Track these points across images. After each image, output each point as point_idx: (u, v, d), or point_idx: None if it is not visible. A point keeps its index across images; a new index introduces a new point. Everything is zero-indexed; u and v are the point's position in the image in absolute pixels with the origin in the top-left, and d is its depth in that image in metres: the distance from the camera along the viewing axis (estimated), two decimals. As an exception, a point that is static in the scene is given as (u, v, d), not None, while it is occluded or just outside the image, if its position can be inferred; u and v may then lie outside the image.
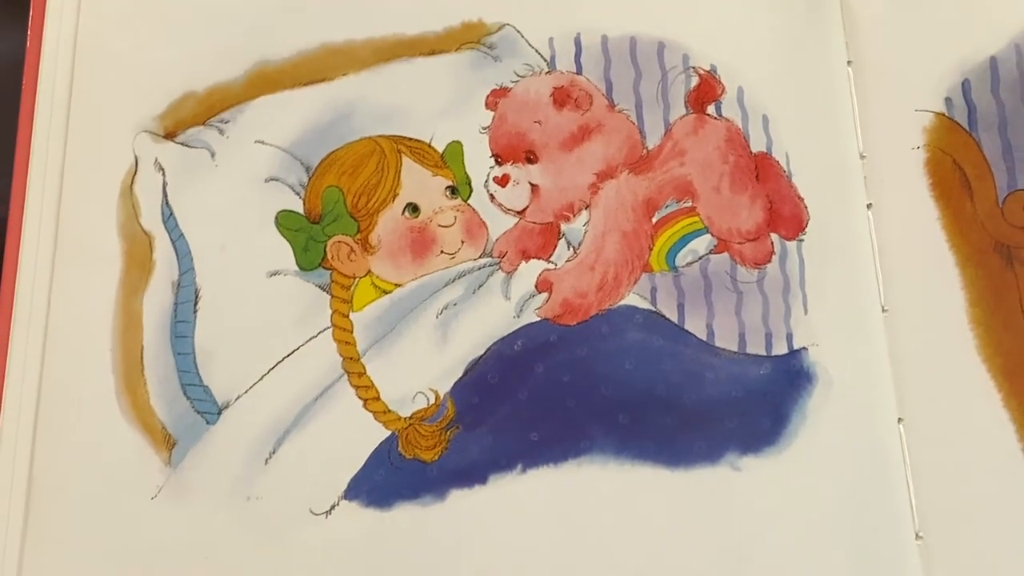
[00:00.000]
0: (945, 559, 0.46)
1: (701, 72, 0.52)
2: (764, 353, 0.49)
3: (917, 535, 0.47)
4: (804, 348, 0.49)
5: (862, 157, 0.51)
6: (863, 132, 0.52)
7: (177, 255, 0.50)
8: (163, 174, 0.51)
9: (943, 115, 0.51)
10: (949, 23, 0.53)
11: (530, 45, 0.53)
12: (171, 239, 0.50)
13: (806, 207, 0.51)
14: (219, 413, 0.48)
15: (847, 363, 0.49)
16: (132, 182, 0.51)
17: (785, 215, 0.50)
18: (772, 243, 0.50)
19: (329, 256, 0.50)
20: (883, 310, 0.49)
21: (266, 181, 0.51)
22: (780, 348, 0.49)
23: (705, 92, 0.52)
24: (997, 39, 0.52)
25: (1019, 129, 0.51)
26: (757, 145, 0.51)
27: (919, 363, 0.49)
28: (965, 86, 0.52)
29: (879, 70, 0.52)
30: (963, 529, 0.47)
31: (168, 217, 0.50)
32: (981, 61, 0.52)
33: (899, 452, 0.48)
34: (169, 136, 0.51)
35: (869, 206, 0.51)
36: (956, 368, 0.48)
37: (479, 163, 0.52)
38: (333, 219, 0.50)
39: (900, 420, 0.48)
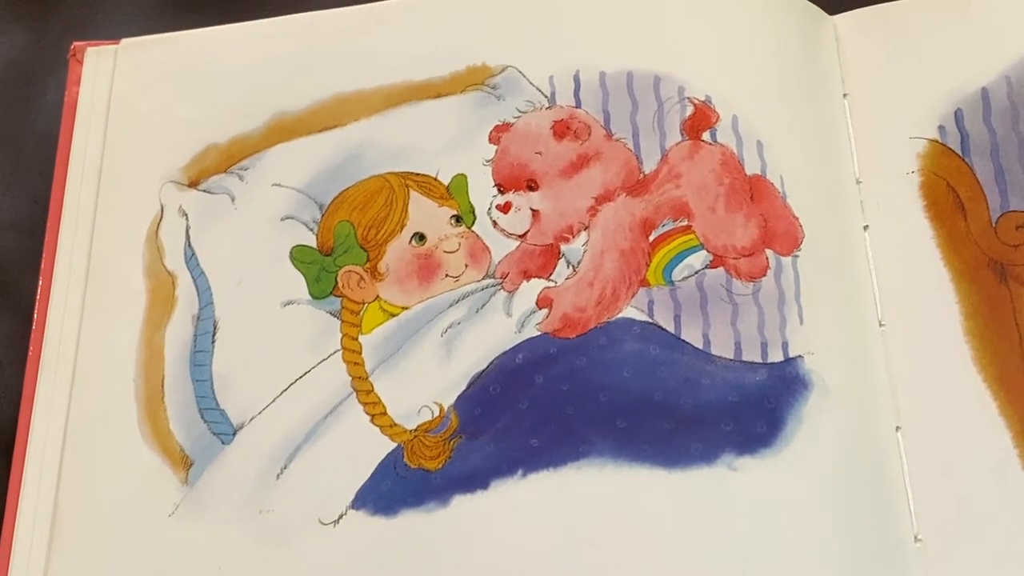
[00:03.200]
0: (944, 560, 0.53)
1: (696, 102, 0.62)
2: (760, 360, 0.57)
3: (916, 537, 0.53)
4: (800, 356, 0.56)
5: (858, 182, 0.61)
6: (859, 159, 0.61)
7: (198, 291, 0.61)
8: (186, 219, 0.63)
9: (936, 141, 0.60)
10: (941, 56, 0.62)
11: (531, 84, 0.64)
12: (192, 277, 0.61)
13: (801, 226, 0.59)
14: (234, 434, 0.58)
15: (844, 373, 0.56)
16: (157, 228, 0.63)
17: (780, 232, 0.59)
18: (767, 258, 0.59)
19: (340, 285, 0.60)
20: (880, 324, 0.57)
21: (282, 220, 0.62)
22: (776, 356, 0.57)
23: (700, 120, 0.62)
24: (988, 71, 0.61)
25: (1010, 154, 0.59)
26: (752, 168, 0.61)
27: (916, 374, 0.56)
28: (958, 115, 0.60)
29: (874, 101, 0.62)
30: (962, 530, 0.53)
31: (190, 257, 0.62)
32: (973, 91, 0.61)
33: (897, 458, 0.55)
34: (193, 184, 0.63)
35: (866, 227, 0.60)
36: (952, 378, 0.56)
37: (483, 193, 0.62)
38: (344, 251, 0.61)
39: (898, 428, 0.55)
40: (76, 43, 0.68)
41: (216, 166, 0.64)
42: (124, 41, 0.68)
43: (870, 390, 0.56)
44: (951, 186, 0.59)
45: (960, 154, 0.60)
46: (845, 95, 0.63)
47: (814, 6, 0.64)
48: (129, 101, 0.66)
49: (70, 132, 0.65)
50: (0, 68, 0.68)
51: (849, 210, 0.60)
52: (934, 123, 0.61)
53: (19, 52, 0.69)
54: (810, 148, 0.61)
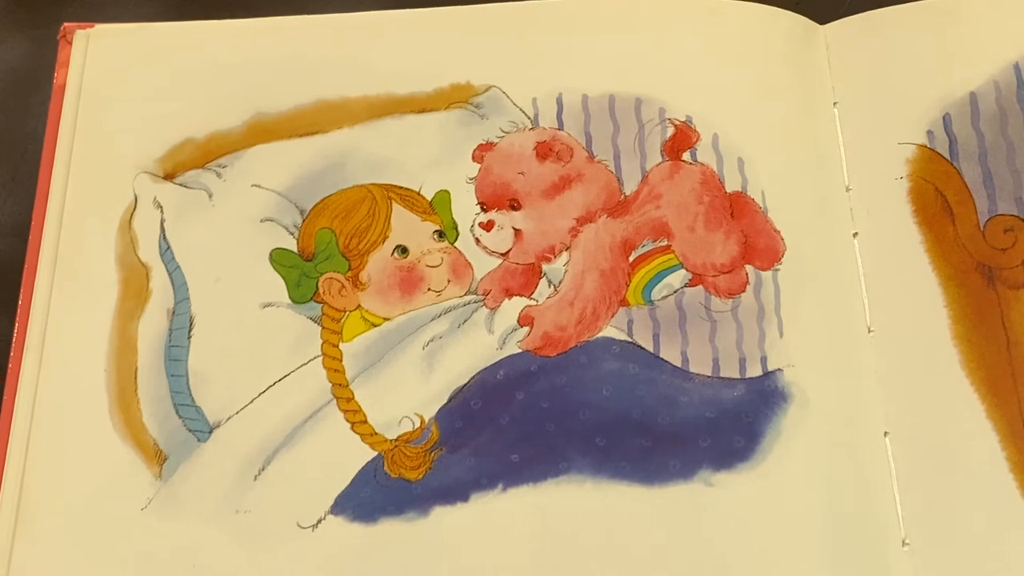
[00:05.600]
0: (932, 563, 0.57)
1: (677, 123, 0.66)
2: (738, 376, 0.61)
3: (904, 541, 0.57)
4: (779, 369, 0.60)
5: (848, 189, 0.65)
6: (848, 166, 0.65)
7: (173, 285, 0.63)
8: (161, 211, 0.64)
9: (925, 147, 0.64)
10: (930, 62, 0.66)
11: (515, 104, 0.67)
12: (168, 270, 0.63)
13: (783, 239, 0.63)
14: (210, 432, 0.60)
15: (827, 382, 0.60)
16: (131, 218, 0.64)
17: (760, 248, 0.63)
18: (747, 274, 0.63)
19: (321, 291, 0.63)
20: (869, 330, 0.61)
21: (261, 221, 0.64)
22: (754, 371, 0.61)
23: (680, 141, 0.66)
24: (976, 76, 0.65)
25: (999, 158, 0.63)
26: (733, 185, 0.65)
27: (904, 379, 0.60)
28: (946, 119, 0.65)
29: (864, 108, 0.66)
30: (949, 534, 0.57)
31: (165, 250, 0.63)
32: (961, 96, 0.65)
33: (885, 463, 0.59)
34: (168, 177, 0.65)
35: (855, 234, 0.64)
36: (941, 382, 0.60)
37: (466, 210, 0.65)
38: (325, 258, 0.63)
39: (886, 433, 0.59)
40: (67, 24, 0.69)
41: (193, 161, 0.66)
42: (98, 27, 0.69)
43: (856, 397, 0.60)
44: (939, 191, 0.63)
45: (948, 159, 0.64)
46: (835, 104, 0.67)
47: (803, 17, 0.68)
48: (103, 87, 0.68)
49: (58, 115, 0.67)
50: (1, 75, 0.69)
51: (838, 218, 0.64)
52: (923, 129, 0.65)
53: (20, 59, 0.70)
54: (797, 159, 0.65)
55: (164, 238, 0.63)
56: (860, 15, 0.68)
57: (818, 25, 0.69)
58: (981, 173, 0.63)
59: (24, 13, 0.68)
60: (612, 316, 0.62)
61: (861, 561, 0.57)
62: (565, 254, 0.63)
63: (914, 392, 0.60)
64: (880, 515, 0.58)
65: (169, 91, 0.67)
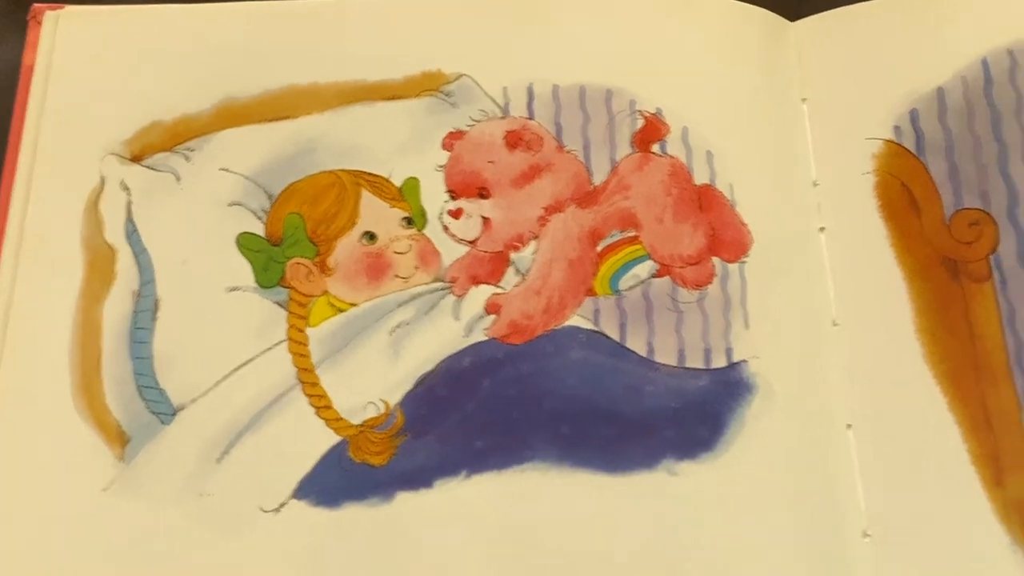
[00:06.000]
0: (894, 554, 0.58)
1: (647, 115, 0.67)
2: (703, 367, 0.61)
3: (865, 533, 0.58)
4: (744, 361, 0.61)
5: (815, 184, 0.66)
6: (816, 161, 0.66)
7: (139, 267, 0.63)
8: (128, 193, 0.64)
9: (892, 142, 0.65)
10: (898, 58, 0.67)
11: (486, 93, 0.67)
12: (134, 252, 0.63)
13: (750, 232, 0.64)
14: (174, 414, 0.60)
15: (792, 374, 0.61)
16: (97, 199, 0.64)
17: (727, 240, 0.64)
18: (713, 266, 0.63)
19: (288, 276, 0.63)
20: (834, 324, 0.62)
21: (229, 205, 0.64)
22: (719, 362, 0.61)
23: (650, 133, 0.67)
24: (943, 71, 0.66)
25: (965, 153, 0.64)
26: (701, 178, 0.65)
27: (869, 372, 0.61)
28: (913, 115, 0.65)
29: (832, 104, 0.67)
30: (911, 525, 0.58)
31: (132, 233, 0.63)
32: (928, 92, 0.66)
33: (848, 456, 0.60)
34: (136, 159, 0.65)
35: (822, 229, 0.64)
36: (904, 376, 0.60)
37: (435, 198, 0.65)
38: (293, 243, 0.64)
39: (849, 426, 0.60)
40: (36, 4, 0.69)
41: (161, 143, 0.66)
42: (68, 8, 0.69)
43: (820, 389, 0.61)
44: (906, 185, 0.64)
45: (915, 154, 0.65)
46: (804, 99, 0.68)
47: (773, 14, 0.69)
48: (72, 68, 0.68)
49: (25, 96, 0.67)
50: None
51: (805, 212, 0.65)
52: (890, 124, 0.66)
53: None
54: (765, 154, 0.66)
55: (131, 220, 0.63)
56: (830, 12, 0.69)
57: (789, 22, 0.69)
58: (947, 167, 0.64)
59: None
60: (579, 305, 0.62)
61: (822, 551, 0.58)
62: (533, 243, 0.63)
63: (878, 385, 0.61)
64: (842, 506, 0.59)
65: (138, 73, 0.67)
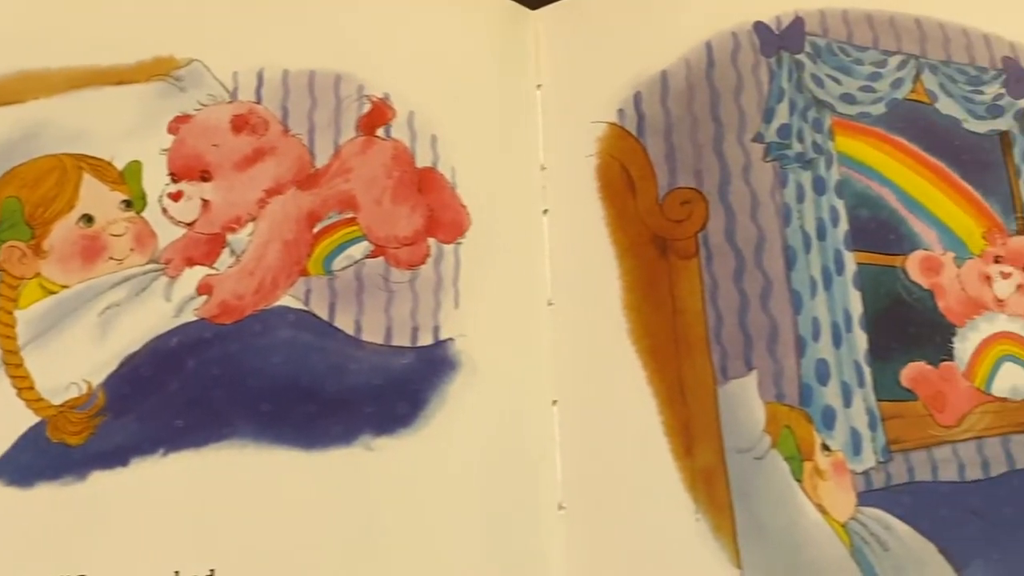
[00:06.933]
0: (584, 525, 0.59)
1: (374, 99, 0.68)
2: (409, 345, 0.62)
3: (560, 505, 0.59)
4: (450, 339, 0.63)
5: (543, 168, 0.67)
6: (545, 146, 0.68)
7: None
8: None
9: (615, 124, 0.67)
10: (628, 43, 0.69)
11: (215, 78, 0.68)
12: None
13: (469, 214, 0.66)
14: None
15: (499, 352, 0.62)
16: None
17: (445, 222, 0.65)
18: (429, 247, 0.65)
19: (1, 259, 0.64)
20: (549, 303, 0.64)
21: (-53, 190, 0.65)
22: (426, 340, 0.63)
23: (376, 117, 0.68)
24: (669, 55, 0.68)
25: (683, 134, 0.66)
26: (423, 162, 0.67)
27: (577, 349, 0.63)
28: (637, 97, 0.67)
29: (565, 90, 0.69)
30: (604, 497, 0.60)
31: None
32: (653, 75, 0.68)
33: (551, 431, 0.61)
34: None
35: (546, 211, 0.66)
36: (610, 352, 0.62)
37: (157, 181, 0.66)
38: (9, 226, 0.64)
39: (555, 402, 0.62)
40: None
41: None
42: None
43: (528, 367, 0.63)
44: (624, 166, 0.66)
45: (636, 135, 0.67)
46: (539, 86, 0.69)
47: (514, 3, 0.71)
48: None
49: None
50: None
51: (530, 195, 0.67)
52: (615, 107, 0.68)
53: None
54: (492, 139, 0.68)
55: None
56: (570, 0, 0.71)
57: (529, 10, 0.71)
58: (665, 148, 0.66)
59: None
60: (291, 286, 0.63)
61: (516, 525, 0.59)
62: (251, 224, 0.64)
63: (585, 361, 0.62)
64: (540, 480, 0.60)
65: None
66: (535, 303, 0.64)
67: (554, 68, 0.69)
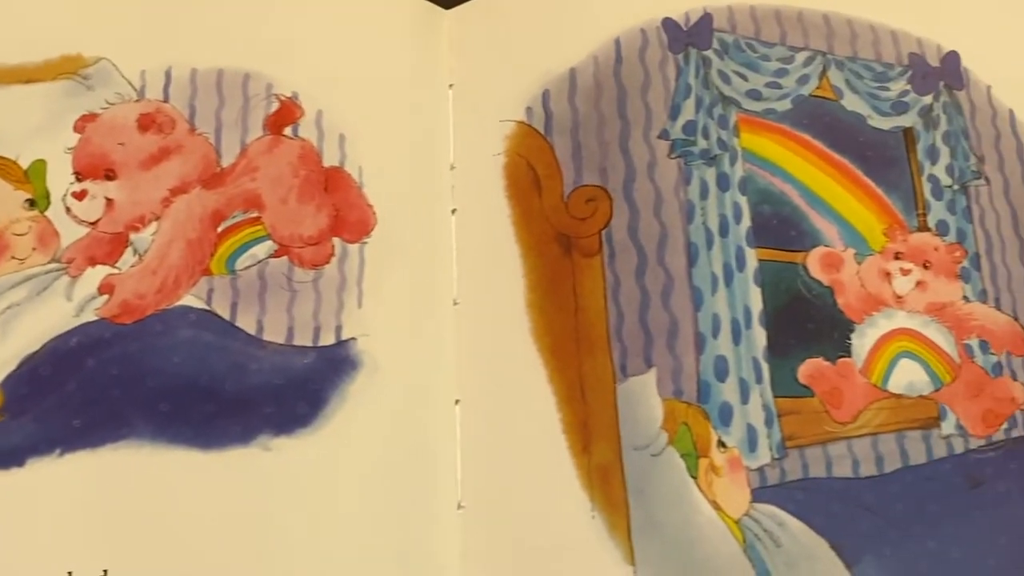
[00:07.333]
0: (482, 523, 0.59)
1: (282, 98, 0.68)
2: (311, 344, 0.62)
3: (459, 504, 0.59)
4: (353, 338, 0.63)
5: (452, 168, 0.67)
6: (456, 145, 0.68)
7: None
8: None
9: (523, 123, 0.67)
10: (538, 41, 0.69)
11: (123, 76, 0.68)
12: None
13: (375, 213, 0.66)
14: None
15: (402, 351, 0.62)
16: None
17: (351, 221, 0.65)
18: (333, 246, 0.65)
19: (-98, 258, 0.63)
20: (455, 303, 0.64)
21: None
22: (328, 339, 0.63)
23: (283, 116, 0.68)
24: (578, 52, 0.68)
25: (589, 131, 0.66)
26: (331, 161, 0.67)
27: (481, 348, 0.63)
28: (545, 96, 0.67)
29: (476, 89, 0.69)
30: (502, 495, 0.60)
31: None
32: (561, 73, 0.68)
33: (453, 430, 0.61)
34: None
35: (454, 211, 0.66)
36: (513, 350, 0.62)
37: (62, 180, 0.66)
38: (-89, 225, 0.64)
39: (457, 401, 0.61)
40: None
41: None
42: None
43: (431, 366, 0.63)
44: (531, 165, 0.66)
45: (543, 133, 0.67)
46: (451, 85, 0.69)
47: (428, 3, 0.71)
48: None
49: None
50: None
51: (439, 195, 0.67)
52: (524, 105, 0.68)
53: None
54: (402, 138, 0.68)
55: None
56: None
57: (444, 10, 0.71)
58: (571, 146, 0.66)
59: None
60: (193, 285, 0.63)
61: (412, 524, 0.59)
62: (155, 224, 0.64)
63: (488, 361, 0.62)
64: (440, 479, 0.60)
65: None
66: (440, 303, 0.64)
67: (466, 67, 0.69)
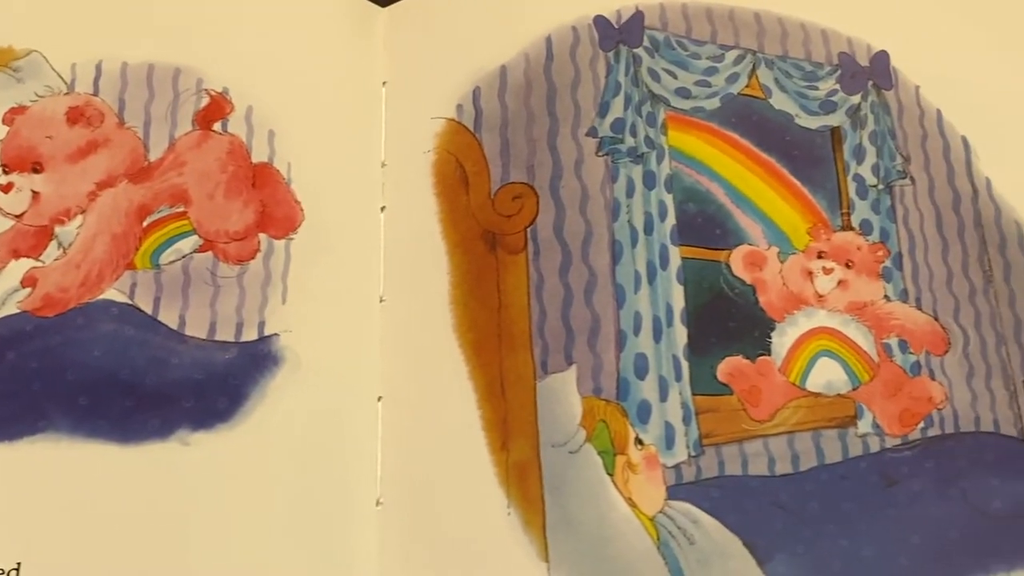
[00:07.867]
0: (399, 520, 0.59)
1: (212, 93, 0.68)
2: (233, 340, 0.63)
3: (378, 501, 0.60)
4: (275, 334, 0.63)
5: (383, 165, 0.67)
6: (387, 143, 0.68)
7: None
8: None
9: (453, 120, 0.67)
10: (470, 38, 0.69)
11: (53, 69, 0.68)
12: None
13: (302, 210, 0.66)
14: None
15: (325, 348, 0.63)
16: None
17: (278, 217, 0.65)
18: (259, 242, 0.65)
19: None
20: (381, 300, 0.64)
21: None
22: (250, 335, 0.63)
23: (213, 111, 0.68)
24: (509, 50, 0.69)
25: (518, 128, 0.67)
26: (260, 157, 0.67)
27: (406, 345, 0.63)
28: (476, 93, 0.68)
29: (409, 86, 0.69)
30: (421, 491, 0.60)
31: None
32: (492, 70, 0.68)
33: (374, 426, 0.61)
34: None
35: (383, 208, 0.66)
36: (436, 347, 0.63)
37: (-11, 174, 0.66)
38: None
39: (380, 398, 0.62)
40: None
41: None
42: None
43: (355, 363, 0.63)
44: (460, 162, 0.67)
45: (472, 131, 0.67)
46: (385, 83, 0.70)
47: (364, 0, 0.71)
48: None
49: None
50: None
51: (369, 192, 0.67)
52: (454, 103, 0.68)
53: None
54: (333, 135, 0.68)
55: None
56: (419, -5, 0.70)
57: (379, 7, 0.71)
58: (500, 143, 0.66)
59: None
60: (116, 279, 0.63)
61: (329, 520, 0.59)
62: (80, 217, 0.64)
63: (411, 357, 0.63)
64: (359, 476, 0.61)
65: None
66: (366, 299, 0.64)
67: (400, 64, 0.70)
